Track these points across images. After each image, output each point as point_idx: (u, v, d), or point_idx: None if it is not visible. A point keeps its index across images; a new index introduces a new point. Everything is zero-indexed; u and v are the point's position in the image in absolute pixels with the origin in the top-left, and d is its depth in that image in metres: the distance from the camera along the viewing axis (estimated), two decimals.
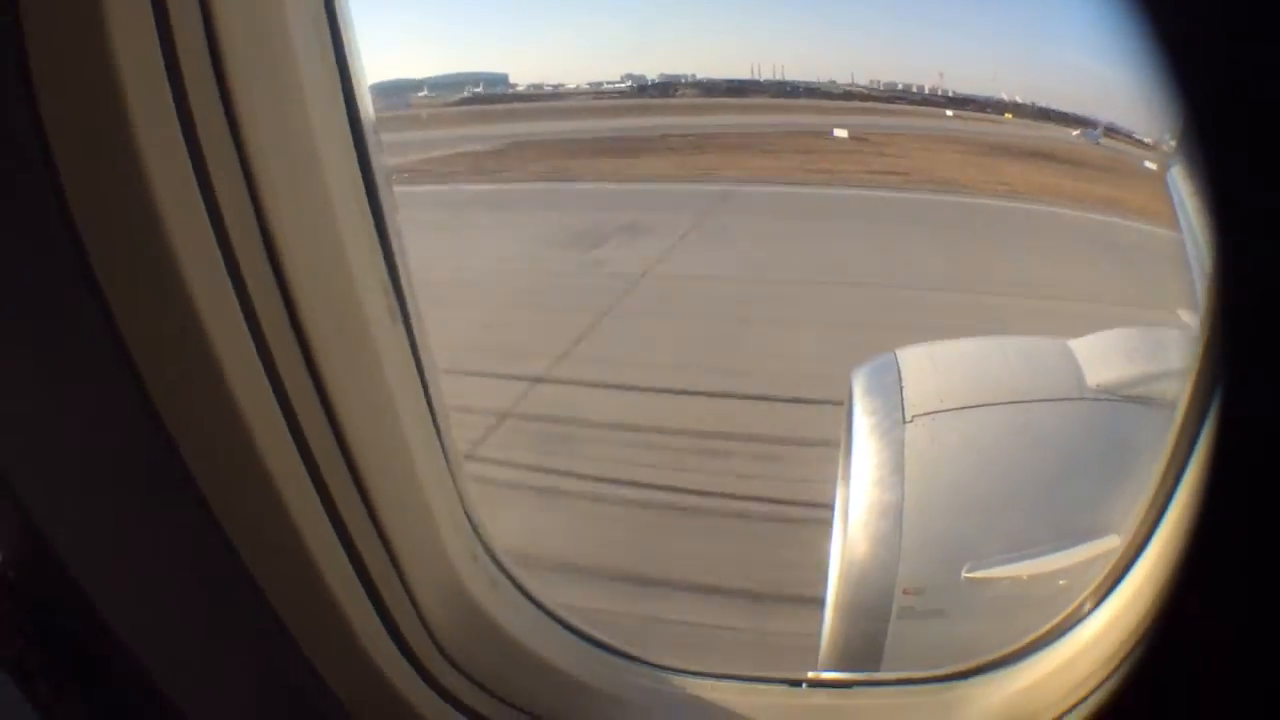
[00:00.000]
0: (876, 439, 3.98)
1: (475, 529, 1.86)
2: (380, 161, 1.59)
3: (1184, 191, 5.23)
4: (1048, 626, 1.85)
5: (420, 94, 33.60)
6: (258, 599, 1.49)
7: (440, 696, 1.70)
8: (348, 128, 1.53)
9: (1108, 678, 1.59)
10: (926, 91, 27.99)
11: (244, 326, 1.34)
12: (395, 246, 1.63)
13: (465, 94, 33.84)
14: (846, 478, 4.01)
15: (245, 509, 1.43)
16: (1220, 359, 1.23)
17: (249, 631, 1.55)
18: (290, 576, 1.50)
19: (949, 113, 26.67)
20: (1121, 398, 4.12)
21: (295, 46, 1.40)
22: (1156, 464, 1.66)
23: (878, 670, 3.78)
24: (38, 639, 1.52)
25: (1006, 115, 25.80)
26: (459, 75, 34.67)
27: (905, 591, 3.78)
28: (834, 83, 29.34)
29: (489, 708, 1.74)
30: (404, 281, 1.65)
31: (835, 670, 3.91)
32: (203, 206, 1.27)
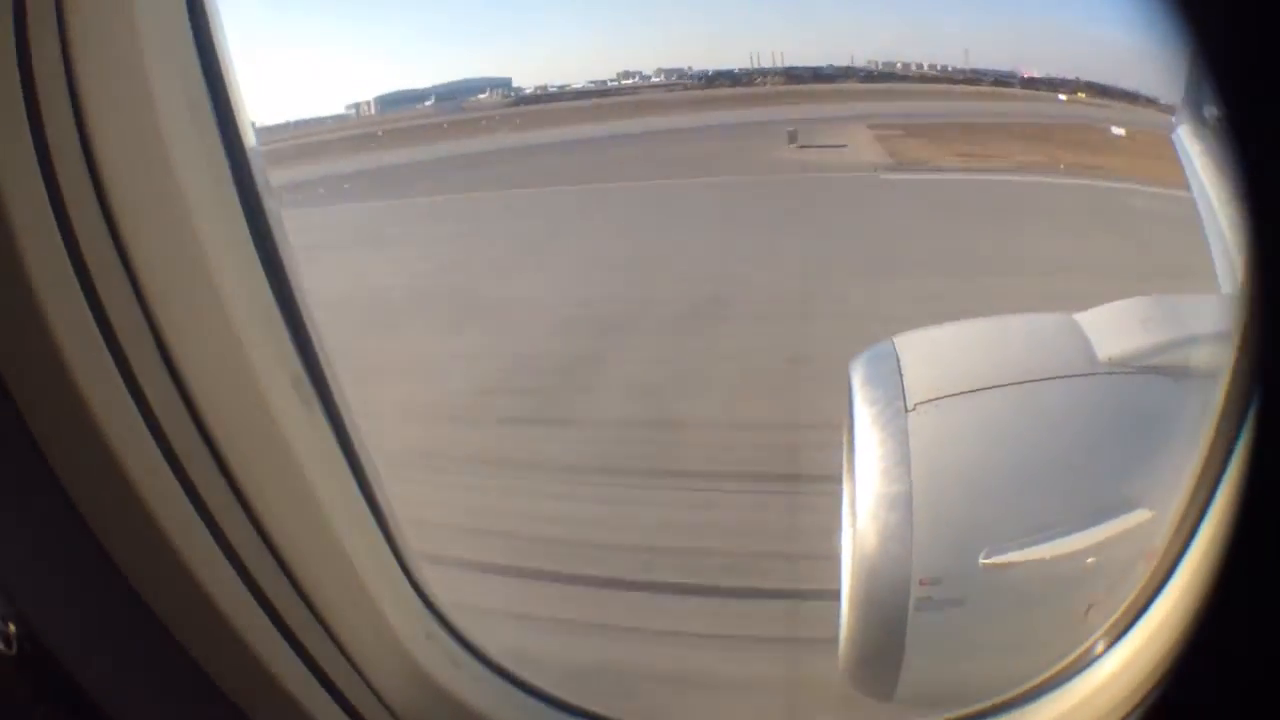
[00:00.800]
0: (879, 430, 3.91)
1: (430, 607, 1.85)
2: (281, 229, 1.56)
3: (1192, 151, 5.13)
4: (1059, 667, 1.83)
5: (427, 103, 34.30)
6: (221, 700, 1.49)
7: None
8: (235, 194, 1.50)
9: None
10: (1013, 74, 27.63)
11: (152, 442, 1.34)
12: (307, 326, 1.61)
13: (511, 96, 34.37)
14: (852, 471, 3.95)
15: (191, 623, 1.43)
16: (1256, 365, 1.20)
17: None
18: (250, 682, 1.50)
19: (1061, 97, 26.18)
20: (1136, 369, 4.02)
21: (163, 119, 1.38)
22: (1180, 448, 1.62)
23: (899, 664, 3.72)
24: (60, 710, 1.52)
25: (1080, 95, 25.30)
26: (463, 82, 35.33)
27: (921, 582, 3.72)
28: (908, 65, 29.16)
29: None
30: (321, 361, 1.63)
31: (857, 666, 3.87)
32: (91, 316, 1.27)
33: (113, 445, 1.30)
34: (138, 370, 1.32)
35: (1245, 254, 1.15)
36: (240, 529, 1.46)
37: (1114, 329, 4.19)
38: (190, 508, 1.39)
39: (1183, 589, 1.52)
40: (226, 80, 1.47)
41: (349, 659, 1.62)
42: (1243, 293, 1.25)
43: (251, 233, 1.51)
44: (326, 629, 1.59)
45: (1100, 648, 1.75)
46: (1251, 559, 1.21)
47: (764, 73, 31.28)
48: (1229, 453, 1.37)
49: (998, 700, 1.87)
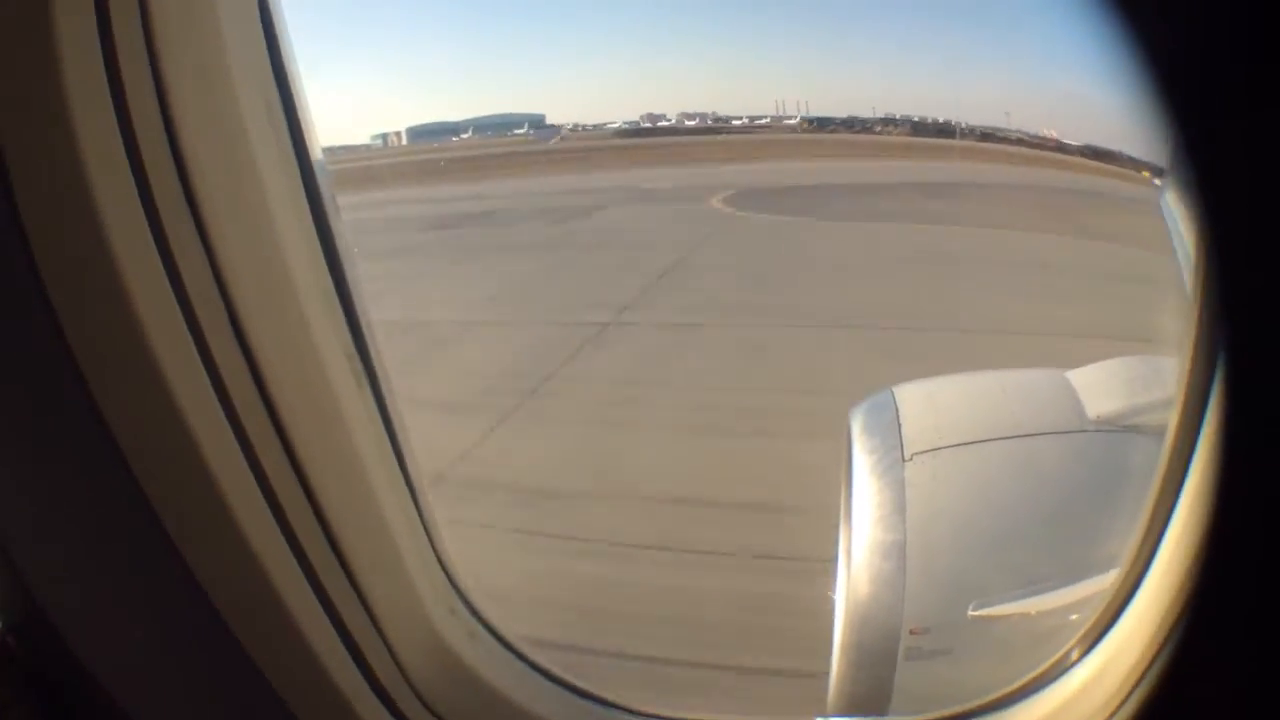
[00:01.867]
0: (876, 478, 4.01)
1: (453, 582, 1.92)
2: (340, 228, 1.69)
3: (1178, 218, 5.30)
4: (1037, 672, 1.89)
5: (465, 135, 33.97)
6: (248, 666, 1.56)
7: None
8: (306, 205, 1.63)
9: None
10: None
11: (218, 406, 1.44)
12: (360, 312, 1.72)
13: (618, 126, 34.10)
14: (848, 518, 4.03)
15: (230, 581, 1.51)
16: (1221, 377, 1.24)
17: (241, 697, 1.62)
18: (277, 642, 1.58)
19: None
20: (1123, 428, 4.14)
21: (249, 127, 1.51)
22: (1146, 500, 1.70)
23: (885, 711, 3.81)
24: (35, 705, 1.60)
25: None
26: (500, 116, 35.07)
27: (911, 631, 3.79)
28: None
29: None
30: (370, 345, 1.74)
31: (845, 710, 3.94)
32: (173, 296, 1.39)
33: (179, 402, 1.39)
34: (208, 334, 1.43)
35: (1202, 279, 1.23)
36: (289, 489, 1.55)
37: (1102, 387, 4.32)
38: (245, 464, 1.48)
39: (1154, 595, 1.58)
40: (294, 85, 1.61)
41: (376, 624, 1.70)
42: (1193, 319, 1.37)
43: (316, 227, 1.65)
44: (359, 593, 1.67)
45: (1075, 655, 1.82)
46: (1221, 563, 1.26)
47: (885, 121, 29.98)
48: (1189, 458, 1.45)
49: (974, 705, 1.95)
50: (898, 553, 3.84)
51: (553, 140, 34.08)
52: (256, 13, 1.56)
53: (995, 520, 3.99)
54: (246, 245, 1.49)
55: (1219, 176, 1.04)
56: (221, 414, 1.45)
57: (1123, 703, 1.55)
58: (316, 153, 1.65)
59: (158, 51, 1.36)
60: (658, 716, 1.95)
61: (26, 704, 1.60)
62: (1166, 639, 1.43)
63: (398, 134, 34.32)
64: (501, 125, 34.83)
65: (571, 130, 34.67)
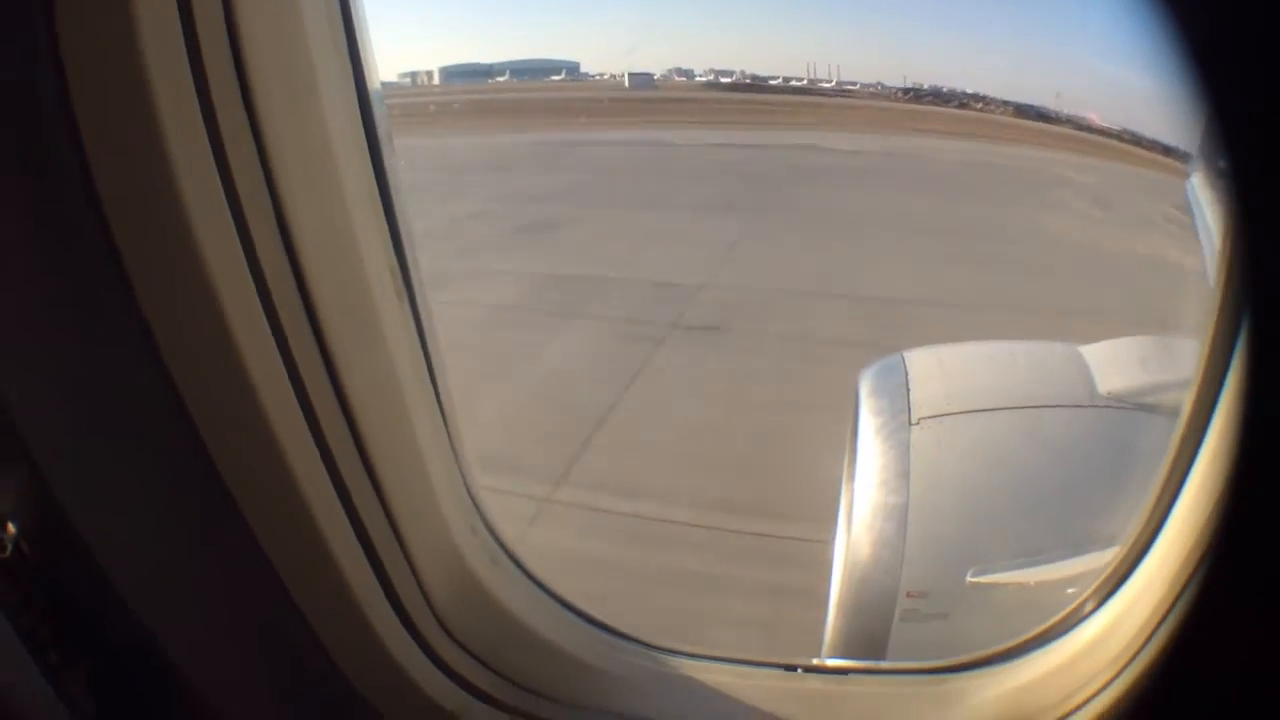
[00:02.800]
0: (882, 441, 4.04)
1: (476, 505, 1.95)
2: (390, 152, 1.71)
3: (1204, 201, 5.29)
4: (1047, 625, 1.92)
5: (501, 78, 33.65)
6: (266, 570, 1.58)
7: (438, 668, 1.79)
8: (360, 122, 1.64)
9: (1110, 682, 1.64)
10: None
11: (260, 310, 1.45)
12: (403, 231, 1.73)
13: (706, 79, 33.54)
14: (851, 478, 4.07)
15: (258, 483, 1.52)
16: (1242, 359, 1.25)
17: (256, 602, 1.64)
18: (298, 549, 1.59)
19: None
20: (1134, 406, 4.16)
21: (311, 45, 1.51)
22: (1161, 466, 1.72)
23: None
24: (51, 610, 1.61)
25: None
26: (536, 61, 34.68)
27: (909, 595, 3.83)
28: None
29: (485, 680, 1.83)
30: (410, 264, 1.76)
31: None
32: (224, 199, 1.39)
33: (221, 303, 1.39)
34: (256, 240, 1.44)
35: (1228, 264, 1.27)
36: (325, 397, 1.56)
37: (1116, 364, 4.34)
38: (283, 370, 1.49)
39: (1167, 552, 1.61)
40: (358, 25, 1.64)
41: (399, 538, 1.73)
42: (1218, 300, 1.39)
43: (369, 149, 1.66)
44: (385, 507, 1.69)
45: (1089, 608, 1.85)
46: (1235, 523, 1.28)
47: (979, 99, 28.34)
48: (1207, 424, 1.48)
49: (986, 653, 1.98)
50: (899, 516, 3.88)
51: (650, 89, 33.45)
52: None
53: (999, 489, 4.02)
54: (301, 157, 1.50)
55: (1253, 160, 1.05)
56: (264, 319, 1.46)
57: (1134, 657, 1.58)
58: (375, 80, 1.68)
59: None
60: (666, 649, 1.99)
61: (38, 608, 1.60)
62: (1179, 596, 1.45)
63: (429, 73, 34.21)
64: (539, 70, 34.52)
65: (664, 80, 34.06)
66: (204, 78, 1.35)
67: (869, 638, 3.86)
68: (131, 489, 1.56)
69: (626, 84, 33.25)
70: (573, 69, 34.34)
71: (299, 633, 1.65)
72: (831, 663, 2.07)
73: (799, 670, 1.96)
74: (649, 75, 33.77)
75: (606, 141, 26.55)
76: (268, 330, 1.47)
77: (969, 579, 3.82)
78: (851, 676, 2.07)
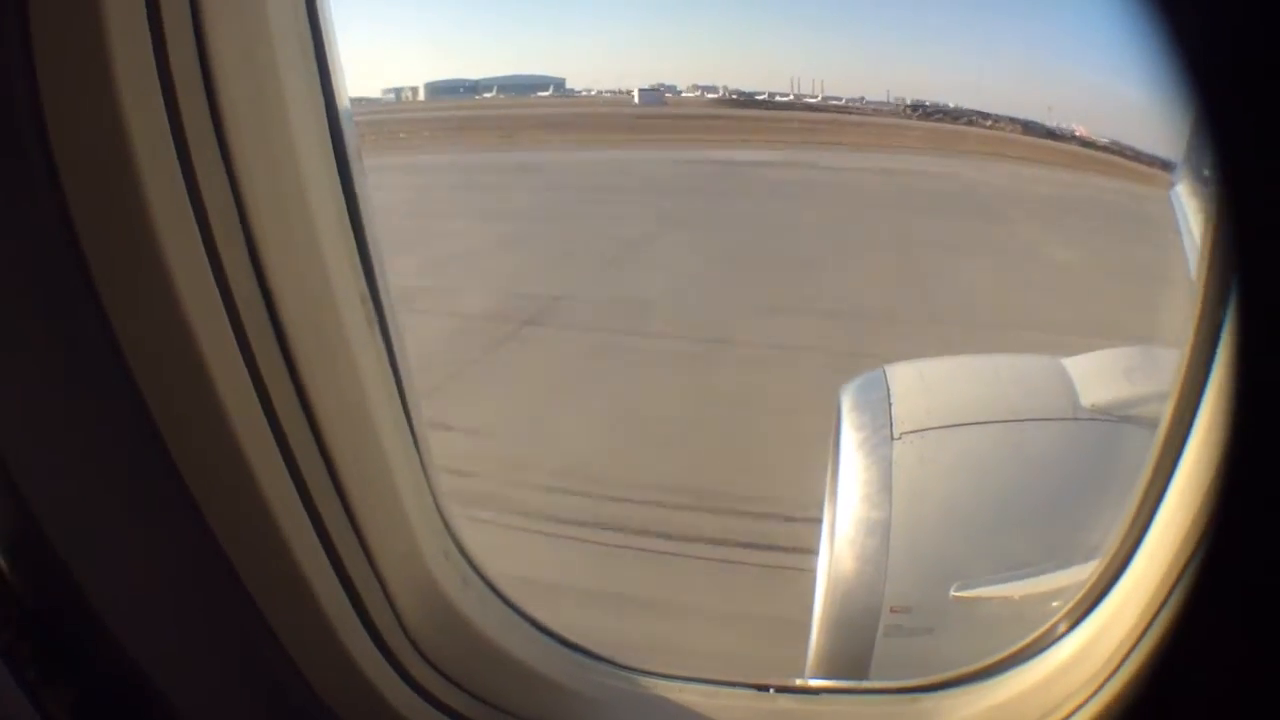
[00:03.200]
0: (864, 455, 4.05)
1: (448, 528, 1.96)
2: (361, 176, 1.72)
3: (1189, 209, 5.32)
4: (1023, 643, 1.94)
5: (488, 94, 33.74)
6: (241, 594, 1.59)
7: (413, 690, 1.80)
8: (330, 145, 1.66)
9: (1088, 700, 1.65)
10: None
11: (231, 334, 1.47)
12: (375, 258, 1.75)
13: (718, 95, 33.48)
14: (834, 494, 4.08)
15: (231, 508, 1.54)
16: (1229, 366, 1.26)
17: (233, 625, 1.66)
18: (273, 574, 1.61)
19: None
20: (1117, 418, 4.18)
21: (280, 68, 1.53)
22: (1138, 483, 1.72)
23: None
24: (29, 628, 1.62)
25: None
26: (522, 78, 34.82)
27: (892, 610, 3.84)
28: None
29: (460, 702, 1.84)
30: (382, 292, 1.77)
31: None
32: (194, 222, 1.40)
33: (192, 327, 1.41)
34: (226, 263, 1.45)
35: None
36: (296, 421, 1.58)
37: (1099, 376, 4.35)
38: (255, 395, 1.51)
39: (1144, 570, 1.62)
40: (328, 43, 1.65)
41: (372, 563, 1.74)
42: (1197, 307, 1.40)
43: (340, 175, 1.68)
44: (358, 532, 1.71)
45: (1063, 628, 1.86)
46: (1213, 541, 1.28)
47: (987, 116, 27.87)
48: (1185, 439, 1.50)
49: (960, 673, 1.99)
50: (882, 530, 3.88)
51: (657, 105, 33.38)
52: None
53: (982, 503, 4.03)
54: (270, 182, 1.52)
55: (1245, 165, 1.06)
56: (235, 345, 1.47)
57: (1112, 674, 1.58)
58: (345, 100, 1.69)
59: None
60: (643, 671, 2.00)
61: (18, 625, 1.61)
62: (1157, 613, 1.45)
63: (413, 89, 34.32)
64: (525, 86, 34.66)
65: (670, 94, 33.99)
66: (176, 104, 1.37)
67: (853, 654, 3.87)
68: (106, 510, 1.57)
69: (636, 100, 33.34)
70: (558, 85, 34.52)
71: (275, 656, 1.67)
72: (804, 683, 2.07)
73: (771, 690, 1.96)
74: (659, 91, 33.86)
75: (749, 161, 25.85)
76: (239, 356, 1.48)
77: (953, 594, 3.83)
78: (824, 696, 2.08)
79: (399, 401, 1.84)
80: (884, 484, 3.97)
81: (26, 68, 1.27)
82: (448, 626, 1.90)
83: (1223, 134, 1.05)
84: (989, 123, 28.22)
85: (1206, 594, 1.34)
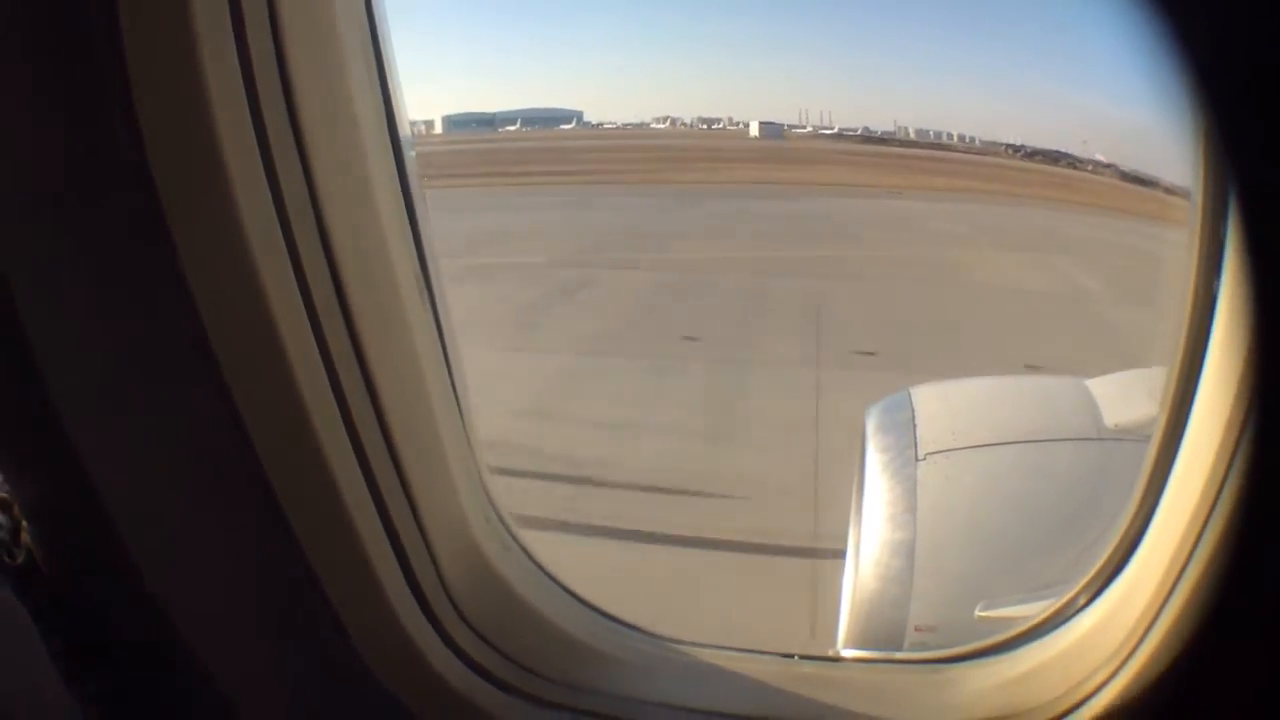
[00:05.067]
0: (889, 477, 4.15)
1: (489, 496, 2.08)
2: (415, 169, 1.92)
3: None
4: (1044, 616, 1.98)
5: (510, 127, 34.03)
6: (294, 552, 1.70)
7: (450, 650, 1.89)
8: (390, 145, 1.85)
9: (1112, 676, 1.69)
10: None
11: (304, 314, 1.62)
12: (425, 238, 1.92)
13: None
14: (859, 515, 4.17)
15: (291, 463, 1.66)
16: (1247, 358, 1.31)
17: (281, 583, 1.76)
18: (325, 530, 1.72)
19: None
20: (1141, 438, 4.26)
21: (349, 74, 1.72)
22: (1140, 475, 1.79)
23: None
24: (68, 616, 1.73)
25: None
26: (544, 110, 35.26)
27: (917, 629, 3.92)
28: None
29: (493, 662, 1.93)
30: (431, 267, 1.94)
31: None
32: (273, 209, 1.57)
33: (265, 289, 1.57)
34: (299, 242, 1.61)
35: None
36: (357, 391, 1.71)
37: (1123, 397, 4.44)
38: (319, 360, 1.65)
39: (1161, 536, 1.67)
40: (390, 71, 1.86)
41: (420, 525, 1.85)
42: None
43: (397, 171, 1.86)
44: (409, 496, 1.83)
45: (1085, 598, 1.91)
46: (1236, 502, 1.35)
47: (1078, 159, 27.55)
48: (1189, 406, 1.57)
49: (981, 644, 2.04)
50: (907, 551, 3.97)
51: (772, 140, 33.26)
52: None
53: (1007, 523, 4.11)
54: (339, 179, 1.69)
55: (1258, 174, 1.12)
56: (303, 309, 1.62)
57: (1135, 649, 1.63)
58: (401, 103, 1.89)
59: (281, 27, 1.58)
60: (665, 637, 2.08)
61: (54, 613, 1.71)
62: (1175, 584, 1.51)
63: (428, 123, 34.91)
64: (546, 119, 35.07)
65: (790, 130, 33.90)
66: (258, 105, 1.55)
67: None
68: (168, 467, 1.69)
69: (756, 133, 33.28)
70: (578, 117, 34.92)
71: (322, 616, 1.76)
72: (827, 653, 2.16)
73: (795, 658, 2.07)
74: (779, 125, 33.93)
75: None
76: (310, 335, 1.63)
77: (978, 613, 3.89)
78: (849, 665, 2.17)
79: (447, 374, 1.99)
80: (909, 505, 4.07)
81: (121, 78, 1.45)
82: (487, 589, 2.01)
83: (1235, 142, 1.13)
84: (1089, 166, 28.04)
85: (1224, 564, 1.40)
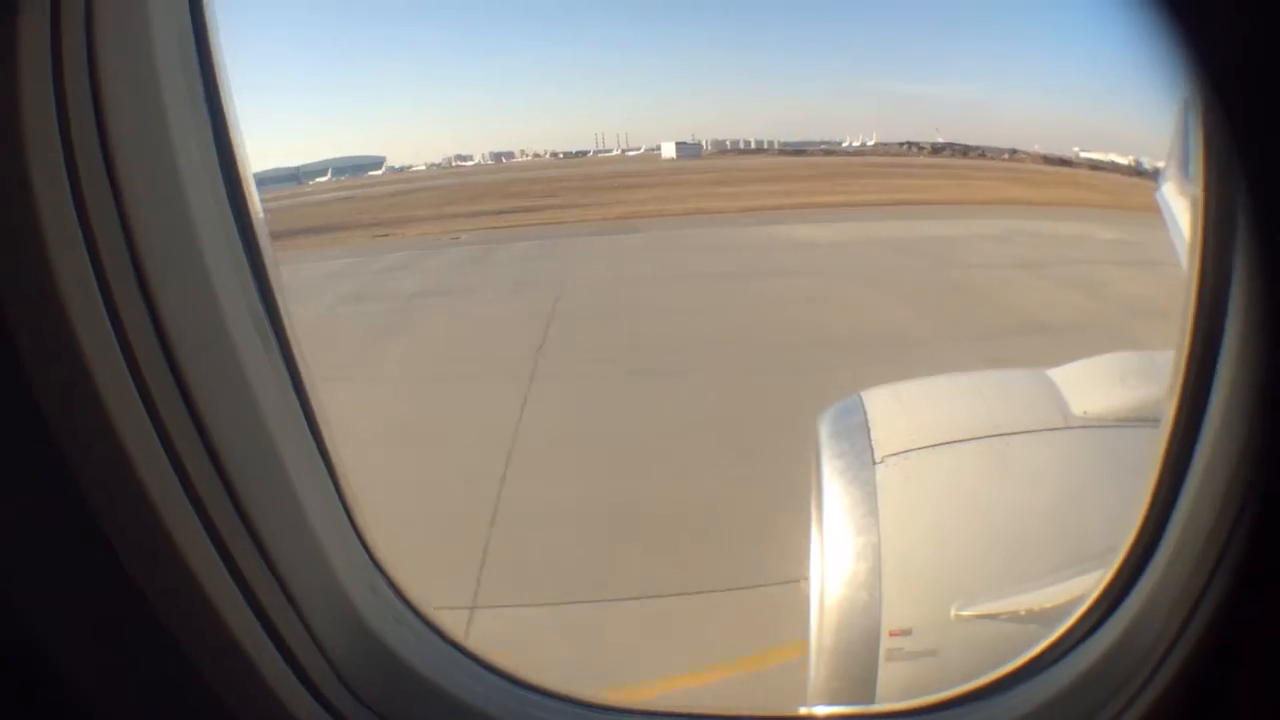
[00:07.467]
0: (846, 482, 4.18)
1: (374, 561, 2.04)
2: (254, 198, 1.83)
3: (1176, 208, 5.46)
4: (1036, 652, 1.96)
5: (322, 178, 34.77)
6: (164, 638, 1.64)
7: None
8: (219, 172, 1.77)
9: (1123, 711, 1.60)
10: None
11: (124, 366, 1.55)
12: (272, 279, 1.85)
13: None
14: (820, 523, 4.20)
15: (140, 548, 1.59)
16: (1252, 357, 1.31)
17: (156, 671, 1.69)
18: (190, 616, 1.65)
19: None
20: (1114, 423, 4.27)
21: (166, 102, 1.65)
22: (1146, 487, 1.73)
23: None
24: None
25: None
26: (344, 159, 36.08)
27: (891, 633, 3.94)
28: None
29: None
30: (282, 314, 1.85)
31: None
32: (87, 256, 1.51)
33: (91, 369, 1.49)
34: (117, 296, 1.53)
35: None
36: (203, 470, 1.64)
37: (1089, 383, 4.46)
38: (158, 443, 1.57)
39: (1170, 565, 1.61)
40: (221, 86, 1.78)
41: (295, 607, 1.78)
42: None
43: (229, 198, 1.78)
44: (276, 575, 1.73)
45: (1081, 632, 1.87)
46: (1254, 527, 1.29)
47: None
48: (1200, 422, 1.52)
49: (968, 688, 1.98)
50: (872, 554, 4.00)
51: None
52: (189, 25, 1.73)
53: (976, 519, 4.14)
54: (158, 208, 1.60)
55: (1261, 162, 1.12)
56: (129, 375, 1.54)
57: (1145, 684, 1.54)
58: (239, 139, 1.79)
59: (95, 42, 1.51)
60: (599, 706, 2.03)
61: None
62: (1189, 617, 1.42)
63: None
64: (355, 167, 36.14)
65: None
66: (69, 139, 1.48)
67: (856, 681, 3.95)
68: (21, 563, 1.60)
69: (674, 154, 34.36)
70: (379, 163, 35.73)
71: (201, 700, 1.69)
72: (809, 712, 2.02)
73: None
74: (697, 145, 35.03)
75: None
76: (132, 387, 1.56)
77: (954, 613, 3.92)
78: None
79: (306, 430, 1.91)
80: (869, 508, 4.10)
81: None
82: (380, 665, 1.93)
83: (1240, 131, 1.12)
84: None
85: (1244, 591, 1.33)
